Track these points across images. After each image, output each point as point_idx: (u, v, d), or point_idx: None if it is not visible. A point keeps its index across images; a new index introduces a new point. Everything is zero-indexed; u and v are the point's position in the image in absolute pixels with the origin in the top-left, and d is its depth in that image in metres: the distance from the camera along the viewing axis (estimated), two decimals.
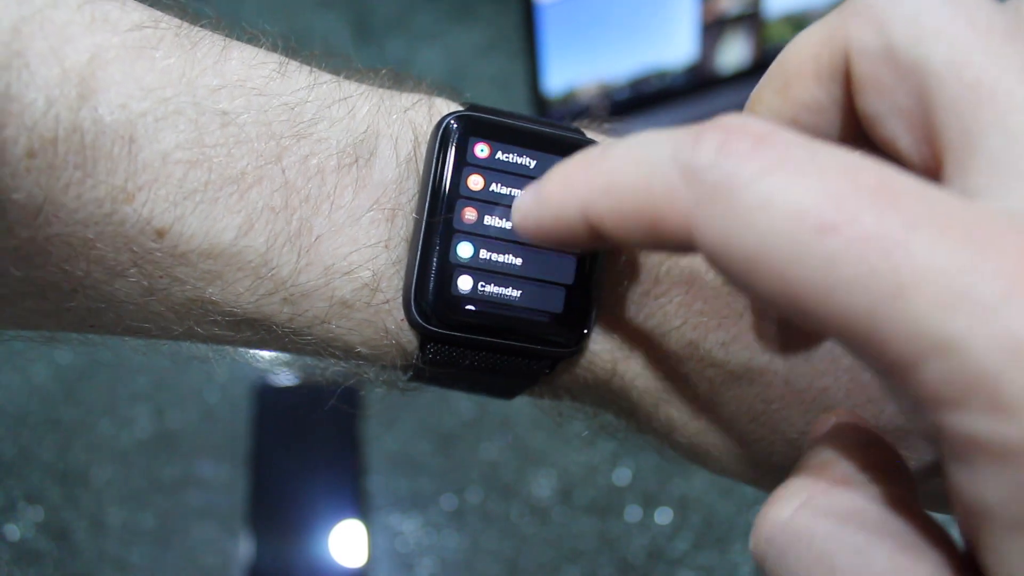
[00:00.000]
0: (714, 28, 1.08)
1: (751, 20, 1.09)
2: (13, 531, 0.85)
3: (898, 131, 0.25)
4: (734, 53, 1.11)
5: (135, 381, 0.92)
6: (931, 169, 0.24)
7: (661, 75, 1.10)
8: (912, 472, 0.26)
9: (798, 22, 1.11)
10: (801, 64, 0.27)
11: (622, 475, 0.91)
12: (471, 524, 0.89)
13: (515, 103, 1.09)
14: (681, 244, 0.22)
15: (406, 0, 1.20)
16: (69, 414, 0.91)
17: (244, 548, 0.85)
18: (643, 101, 1.11)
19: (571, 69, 1.06)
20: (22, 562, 0.84)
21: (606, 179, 0.24)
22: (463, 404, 0.93)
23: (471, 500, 0.90)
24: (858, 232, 0.19)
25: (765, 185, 0.20)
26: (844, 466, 0.25)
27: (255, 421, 0.91)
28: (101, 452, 0.89)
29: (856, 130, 0.27)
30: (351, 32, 1.17)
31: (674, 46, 1.09)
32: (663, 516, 0.90)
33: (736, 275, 0.21)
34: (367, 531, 0.87)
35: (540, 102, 1.06)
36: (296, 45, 0.33)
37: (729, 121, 0.22)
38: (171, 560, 0.85)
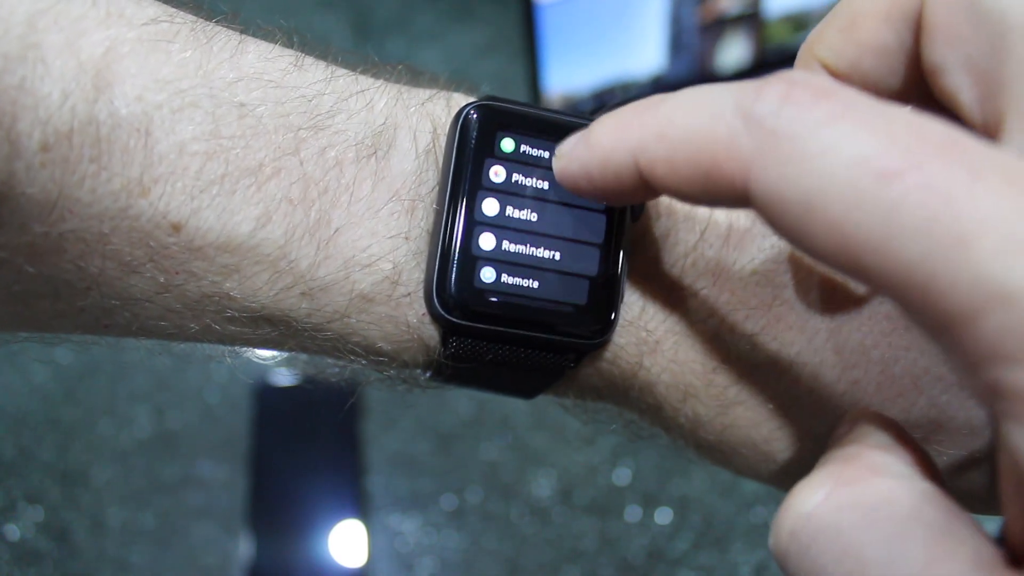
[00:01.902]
0: (714, 28, 1.08)
1: (751, 20, 1.09)
2: (13, 531, 0.85)
3: (963, 84, 0.25)
4: (734, 53, 1.11)
5: (135, 381, 0.92)
6: (990, 127, 0.24)
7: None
8: (940, 467, 0.26)
9: (798, 22, 1.11)
10: (873, 4, 0.27)
11: (622, 475, 0.92)
12: (471, 524, 0.88)
13: None
14: (735, 194, 0.23)
15: (406, 0, 1.20)
16: (69, 414, 0.91)
17: (244, 548, 0.85)
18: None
19: (572, 70, 1.06)
20: (22, 562, 0.84)
21: (662, 125, 0.24)
22: (463, 404, 0.93)
23: (471, 500, 0.90)
24: (922, 179, 0.19)
25: (828, 132, 0.20)
26: (870, 457, 0.24)
27: (255, 421, 0.91)
28: (101, 452, 0.89)
29: (917, 81, 0.27)
30: (351, 32, 1.17)
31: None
32: (663, 516, 0.90)
33: (790, 226, 0.21)
34: (367, 531, 0.87)
35: (541, 103, 1.06)
36: (309, 42, 0.32)
37: (792, 75, 0.22)
38: (171, 560, 0.85)
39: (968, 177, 0.19)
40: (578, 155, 0.27)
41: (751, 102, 0.22)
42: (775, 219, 0.22)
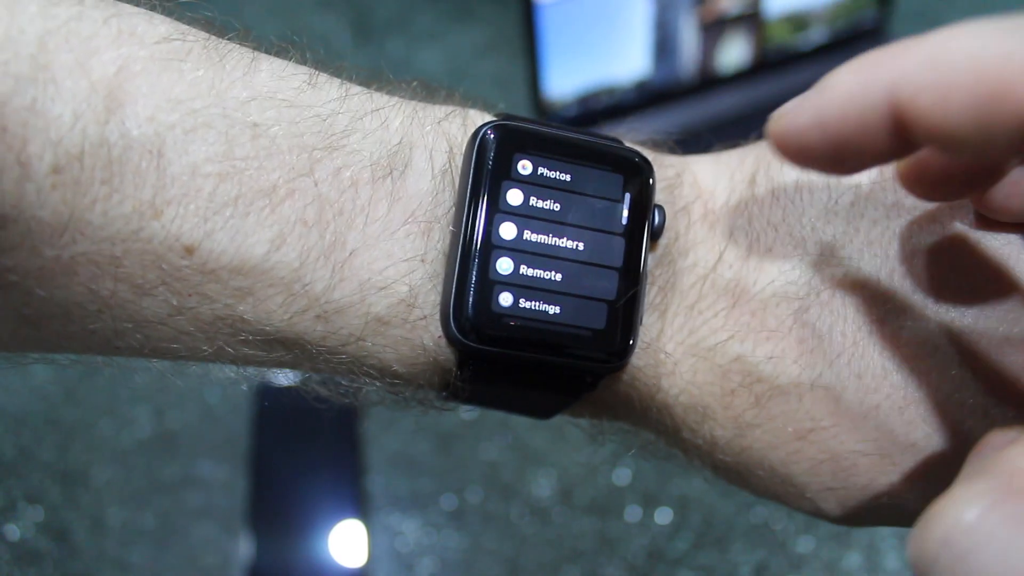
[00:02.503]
0: (714, 28, 1.08)
1: (751, 20, 1.09)
2: (13, 531, 0.85)
3: None
4: (734, 53, 1.11)
5: (135, 381, 0.92)
6: None
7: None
8: None
9: (798, 22, 1.11)
10: None
11: (622, 475, 0.91)
12: (471, 524, 0.88)
13: (515, 104, 1.09)
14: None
15: (406, 0, 1.19)
16: (69, 414, 0.91)
17: (244, 548, 0.85)
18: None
19: (572, 70, 1.06)
20: (22, 562, 0.83)
21: (935, 51, 0.20)
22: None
23: (471, 500, 0.90)
24: None
25: None
26: None
27: (255, 421, 0.91)
28: (101, 452, 0.89)
29: None
30: (351, 32, 1.16)
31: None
32: (663, 516, 0.90)
33: None
34: (367, 531, 0.87)
35: (540, 104, 1.06)
36: (322, 57, 0.32)
37: None
38: (171, 560, 0.85)
39: None
40: (809, 104, 0.23)
41: None
42: None
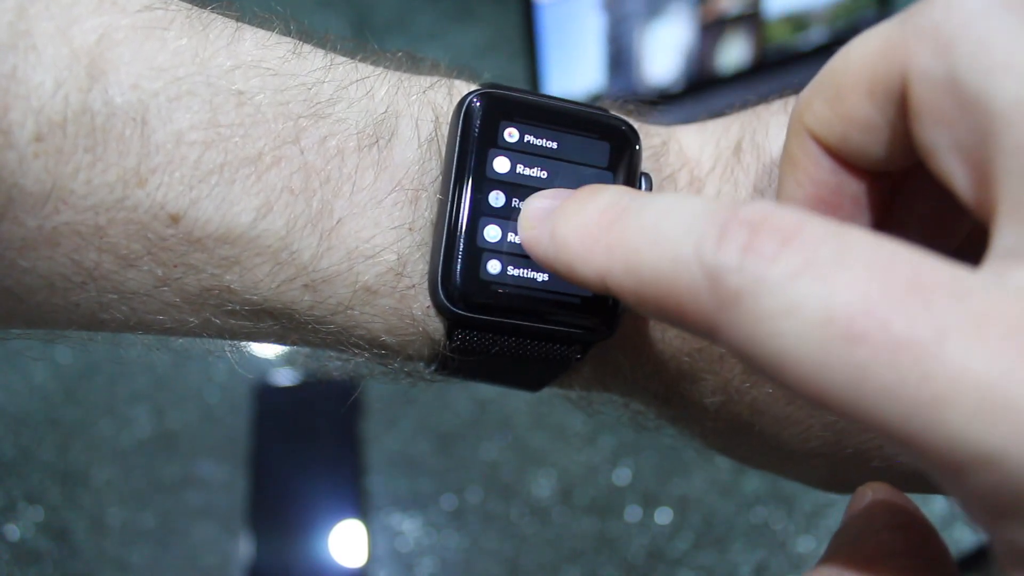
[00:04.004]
0: (714, 28, 1.08)
1: (751, 20, 1.09)
2: (13, 531, 0.85)
3: (954, 167, 0.23)
4: (734, 53, 1.11)
5: (135, 381, 0.92)
6: (984, 212, 0.22)
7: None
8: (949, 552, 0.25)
9: (798, 22, 1.11)
10: (855, 77, 0.26)
11: (622, 475, 0.91)
12: (471, 524, 0.88)
13: None
14: (704, 336, 0.22)
15: (406, 0, 1.20)
16: (69, 414, 0.91)
17: (244, 548, 0.85)
18: None
19: (571, 70, 1.06)
20: (22, 562, 0.83)
21: (628, 257, 0.23)
22: (463, 404, 0.93)
23: (471, 500, 0.89)
24: (887, 339, 0.18)
25: (791, 291, 0.20)
26: (881, 562, 0.24)
27: (255, 421, 0.91)
28: (101, 452, 0.89)
29: (910, 154, 0.25)
30: (351, 32, 1.17)
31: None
32: (663, 516, 0.90)
33: (762, 374, 0.21)
34: (367, 531, 0.87)
35: None
36: (306, 29, 0.32)
37: (756, 216, 0.21)
38: (171, 560, 0.85)
39: (936, 331, 0.18)
40: (544, 247, 0.26)
41: (712, 252, 0.21)
42: (748, 365, 0.21)
